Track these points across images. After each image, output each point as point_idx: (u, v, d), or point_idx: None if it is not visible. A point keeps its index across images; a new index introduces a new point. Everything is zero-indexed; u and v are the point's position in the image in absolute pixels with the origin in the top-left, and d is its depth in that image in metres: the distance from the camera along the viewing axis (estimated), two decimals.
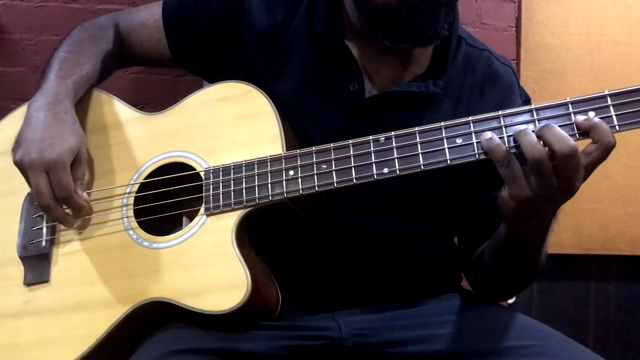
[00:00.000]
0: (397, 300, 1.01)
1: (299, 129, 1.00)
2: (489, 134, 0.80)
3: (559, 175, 0.77)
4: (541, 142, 0.77)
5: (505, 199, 0.82)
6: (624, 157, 2.22)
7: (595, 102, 0.80)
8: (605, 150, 0.76)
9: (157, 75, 1.77)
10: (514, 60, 2.15)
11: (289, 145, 0.93)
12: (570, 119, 0.79)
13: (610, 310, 2.35)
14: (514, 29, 2.13)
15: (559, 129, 0.77)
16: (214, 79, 1.08)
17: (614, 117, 0.78)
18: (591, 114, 0.79)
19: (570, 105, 0.80)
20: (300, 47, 1.04)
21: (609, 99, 0.79)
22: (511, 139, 0.81)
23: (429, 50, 1.04)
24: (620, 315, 2.35)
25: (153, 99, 1.73)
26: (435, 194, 1.03)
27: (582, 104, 0.80)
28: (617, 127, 0.78)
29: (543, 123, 0.80)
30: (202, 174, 0.94)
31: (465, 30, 1.09)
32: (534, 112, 0.82)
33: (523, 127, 0.79)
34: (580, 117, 0.78)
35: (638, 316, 2.35)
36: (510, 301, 2.20)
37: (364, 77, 1.02)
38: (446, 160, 0.84)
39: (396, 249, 1.02)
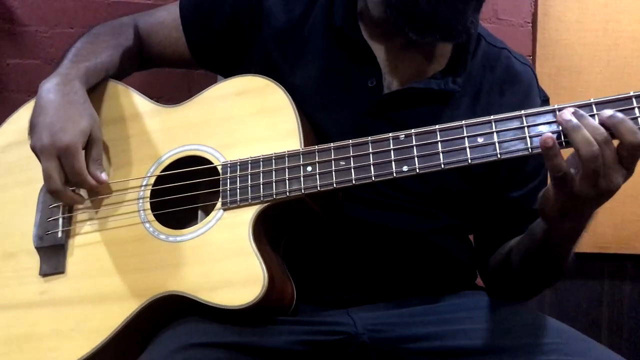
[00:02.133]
0: (412, 297, 1.01)
1: (316, 124, 1.00)
2: (550, 142, 0.75)
3: (606, 170, 0.75)
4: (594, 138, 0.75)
5: (549, 198, 0.80)
6: None
7: (620, 104, 0.78)
8: (630, 151, 0.75)
9: (168, 70, 1.76)
10: (530, 56, 2.13)
11: (307, 141, 0.93)
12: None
13: (624, 310, 2.34)
14: (530, 24, 2.11)
15: (631, 122, 0.75)
16: (231, 74, 1.08)
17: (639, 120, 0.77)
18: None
19: (594, 107, 0.79)
20: (318, 41, 1.04)
21: (634, 100, 0.78)
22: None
23: (448, 47, 1.03)
24: (634, 315, 2.34)
25: (166, 93, 1.73)
26: (452, 191, 1.02)
27: (606, 105, 0.79)
28: None
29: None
30: (219, 168, 0.94)
31: (484, 28, 1.08)
32: (557, 112, 0.81)
33: (568, 117, 0.76)
34: (606, 113, 0.76)
35: None
36: None
37: (383, 73, 1.01)
38: (467, 160, 0.83)
39: (411, 246, 1.02)
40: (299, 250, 1.00)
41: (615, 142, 0.76)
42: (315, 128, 1.00)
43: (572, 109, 0.77)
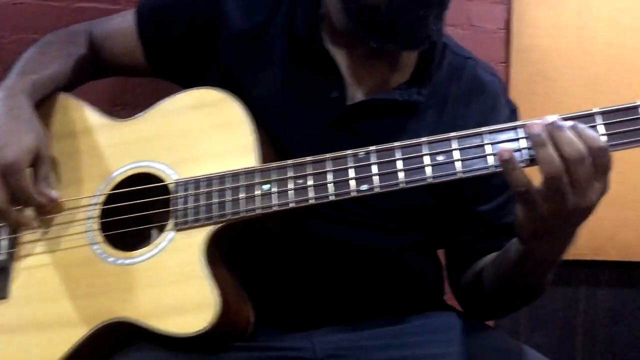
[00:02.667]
0: (377, 317, 0.98)
1: (277, 137, 0.96)
2: (507, 154, 0.73)
3: (572, 189, 0.72)
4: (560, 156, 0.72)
5: (520, 220, 0.77)
6: (614, 162, 2.19)
7: (584, 120, 0.76)
8: (597, 155, 0.72)
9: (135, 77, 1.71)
10: (504, 63, 2.11)
11: (265, 157, 0.89)
12: None
13: (599, 317, 2.33)
14: (504, 30, 2.09)
15: (568, 132, 0.72)
16: (190, 85, 1.04)
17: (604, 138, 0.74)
18: None
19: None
20: (279, 51, 1.00)
21: (597, 117, 0.75)
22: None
23: (413, 57, 1.00)
24: (609, 322, 2.33)
25: (133, 101, 1.68)
26: (418, 207, 0.99)
27: (569, 122, 0.76)
28: None
29: (528, 141, 0.76)
30: (171, 186, 0.89)
31: (450, 37, 1.05)
32: (519, 129, 0.78)
33: (538, 130, 0.73)
34: (569, 123, 0.73)
35: (627, 323, 2.34)
36: None
37: (346, 84, 0.98)
38: (426, 179, 0.80)
39: (376, 264, 0.99)
40: (258, 270, 0.96)
41: None
42: (277, 142, 0.96)
43: (542, 122, 0.74)
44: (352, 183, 0.82)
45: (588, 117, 0.76)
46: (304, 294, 0.96)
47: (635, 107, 0.76)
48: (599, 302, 2.34)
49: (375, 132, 0.94)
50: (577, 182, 0.72)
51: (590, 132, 0.72)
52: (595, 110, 0.76)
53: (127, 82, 1.68)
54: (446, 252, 1.08)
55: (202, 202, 0.87)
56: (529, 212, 0.75)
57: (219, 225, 0.86)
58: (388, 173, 0.82)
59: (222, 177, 0.87)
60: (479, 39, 2.01)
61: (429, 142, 0.81)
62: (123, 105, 1.65)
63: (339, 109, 0.97)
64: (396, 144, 0.82)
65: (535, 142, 0.73)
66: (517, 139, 0.78)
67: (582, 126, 0.72)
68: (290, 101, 0.98)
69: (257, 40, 1.01)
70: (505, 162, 0.73)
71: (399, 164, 0.81)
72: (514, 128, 0.79)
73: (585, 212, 0.74)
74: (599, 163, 0.72)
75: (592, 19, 2.27)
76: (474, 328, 0.96)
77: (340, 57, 0.99)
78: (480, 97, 1.00)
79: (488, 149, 0.79)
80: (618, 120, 0.75)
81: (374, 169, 0.82)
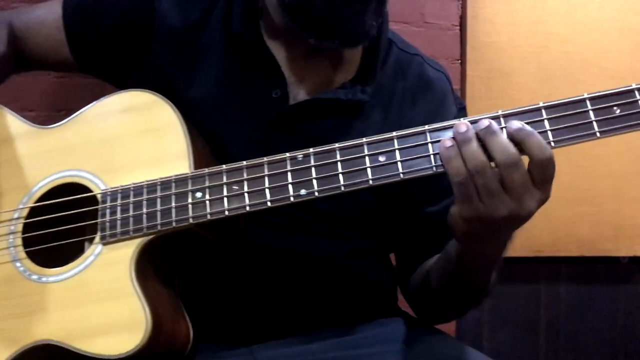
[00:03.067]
0: (325, 328, 0.93)
1: (216, 141, 0.91)
2: (449, 142, 0.71)
3: (507, 193, 0.69)
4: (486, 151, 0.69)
5: (455, 217, 0.74)
6: (572, 156, 2.19)
7: (529, 116, 0.72)
8: (539, 167, 0.69)
9: (82, 78, 1.63)
10: (459, 60, 2.09)
11: (201, 163, 0.83)
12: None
13: (561, 312, 2.34)
14: (459, 27, 2.08)
15: (502, 136, 0.69)
16: (122, 85, 0.97)
17: (549, 133, 0.71)
18: None
19: (502, 119, 0.73)
20: (216, 49, 0.94)
21: (543, 111, 0.72)
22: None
23: (357, 54, 0.95)
24: (571, 317, 2.34)
25: (77, 106, 1.59)
26: (366, 210, 0.94)
27: (515, 117, 0.72)
28: (552, 144, 0.71)
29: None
30: (98, 196, 0.83)
31: (396, 33, 1.01)
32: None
33: (464, 129, 0.70)
34: (515, 125, 0.70)
35: (588, 317, 2.35)
36: None
37: (288, 83, 0.93)
38: (368, 181, 0.76)
39: (324, 272, 0.94)
40: (198, 283, 0.90)
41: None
42: (216, 146, 0.90)
43: (468, 123, 0.71)
44: (291, 188, 0.77)
45: (534, 112, 0.72)
46: (247, 307, 0.91)
47: (582, 101, 0.73)
48: (560, 298, 2.34)
49: (319, 133, 0.89)
50: (511, 188, 0.69)
51: (537, 138, 0.69)
52: (541, 104, 0.73)
53: (70, 84, 1.60)
54: (396, 256, 1.04)
55: (131, 212, 0.81)
56: (464, 209, 0.72)
57: (150, 237, 0.80)
58: (328, 176, 0.77)
59: (152, 186, 0.81)
60: (433, 36, 1.98)
61: (370, 143, 0.77)
62: (67, 110, 1.56)
63: (280, 109, 0.92)
64: (336, 145, 0.78)
65: (459, 140, 0.70)
66: None
67: (523, 132, 0.69)
68: (228, 102, 0.93)
69: (193, 38, 0.95)
70: (446, 149, 0.70)
71: (339, 167, 0.77)
72: None
73: (521, 219, 0.71)
74: (540, 170, 0.69)
75: (546, 15, 2.27)
76: (426, 336, 0.92)
77: (281, 55, 0.94)
78: (427, 95, 0.97)
79: (431, 148, 0.75)
80: (564, 114, 0.72)
81: (313, 172, 0.77)
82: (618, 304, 2.36)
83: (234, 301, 0.91)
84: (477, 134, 0.69)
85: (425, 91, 0.97)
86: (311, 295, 0.93)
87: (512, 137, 0.69)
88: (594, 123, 0.72)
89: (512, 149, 0.68)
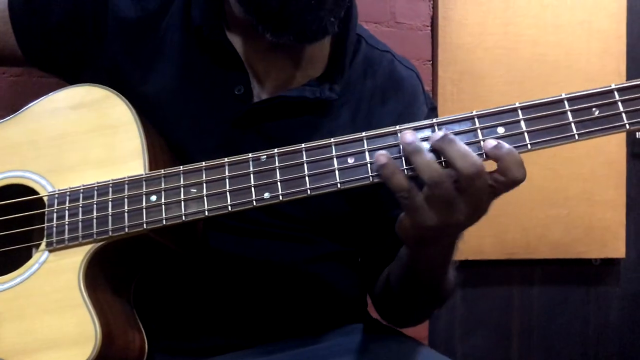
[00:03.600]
0: (290, 338, 0.88)
1: (175, 141, 0.85)
2: (383, 159, 0.67)
3: (464, 199, 0.66)
4: (440, 159, 0.66)
5: (405, 226, 0.71)
6: (544, 159, 2.18)
7: (505, 116, 0.68)
8: (511, 184, 0.66)
9: (40, 78, 1.56)
10: (430, 61, 2.06)
11: (156, 163, 0.78)
12: (477, 136, 0.68)
13: (534, 315, 2.33)
14: (429, 28, 2.05)
15: (461, 143, 0.66)
16: (75, 80, 0.91)
17: (526, 135, 0.67)
18: (500, 129, 0.68)
19: (477, 120, 0.69)
20: (175, 42, 0.89)
21: (520, 112, 0.68)
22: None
23: (325, 50, 0.91)
24: (544, 320, 2.34)
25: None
26: (333, 213, 0.90)
27: (490, 118, 0.69)
28: (529, 146, 0.67)
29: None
30: (45, 199, 0.77)
31: (365, 30, 0.97)
32: (436, 127, 0.70)
33: (410, 138, 0.67)
34: (491, 143, 0.66)
35: (561, 320, 2.35)
36: None
37: (251, 80, 0.88)
38: (336, 184, 0.71)
39: (288, 279, 0.89)
40: (155, 292, 0.85)
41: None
42: (174, 146, 0.85)
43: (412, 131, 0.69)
44: (253, 191, 0.72)
45: (510, 112, 0.69)
46: (206, 317, 0.86)
47: (560, 101, 0.69)
48: (533, 300, 2.34)
49: (284, 133, 0.84)
50: (471, 195, 0.66)
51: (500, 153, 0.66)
52: (517, 104, 0.69)
53: (29, 84, 1.53)
54: (362, 261, 0.99)
55: (80, 217, 0.75)
56: (413, 220, 0.69)
57: (100, 243, 0.74)
58: (293, 179, 0.72)
59: (103, 188, 0.75)
60: (404, 36, 1.95)
61: (338, 143, 0.72)
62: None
63: (244, 106, 0.87)
64: (302, 145, 0.73)
65: (407, 150, 0.67)
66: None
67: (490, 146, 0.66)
68: (187, 99, 0.88)
69: (150, 31, 0.89)
70: (382, 167, 0.67)
71: (305, 168, 0.72)
72: (431, 126, 0.71)
73: (476, 220, 0.69)
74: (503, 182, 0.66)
75: (517, 16, 2.27)
76: (395, 345, 0.88)
77: (243, 50, 0.88)
78: (398, 94, 0.92)
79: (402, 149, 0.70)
80: (541, 114, 0.69)
81: (278, 174, 0.72)
82: (590, 305, 2.36)
83: (192, 311, 0.86)
84: (432, 145, 0.67)
85: (396, 90, 0.93)
86: (275, 303, 0.88)
87: (434, 147, 0.67)
88: (572, 125, 0.68)
89: (473, 157, 0.65)
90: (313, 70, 0.90)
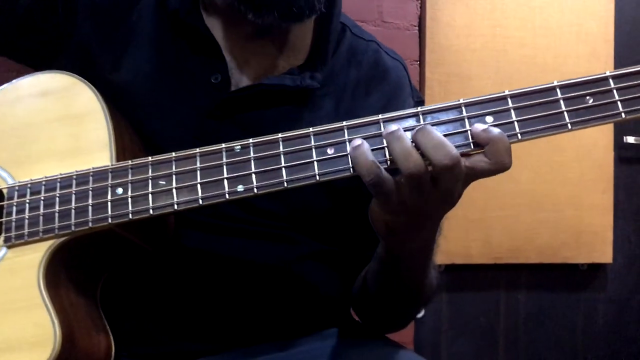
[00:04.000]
0: (269, 342, 0.83)
1: (147, 131, 0.81)
2: (357, 140, 0.64)
3: (437, 188, 0.64)
4: (418, 150, 0.63)
5: (375, 212, 0.69)
6: (530, 162, 2.16)
7: (494, 105, 0.65)
8: (496, 171, 0.63)
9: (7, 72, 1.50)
10: (417, 61, 2.04)
11: (124, 155, 0.73)
12: (464, 126, 0.64)
13: (520, 319, 2.31)
14: (417, 28, 2.02)
15: (437, 133, 0.63)
16: (44, 68, 0.86)
17: (516, 124, 0.64)
18: (489, 118, 0.64)
19: (464, 108, 0.65)
20: (149, 27, 0.85)
21: (509, 100, 0.64)
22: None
23: (307, 38, 0.87)
24: (530, 325, 2.32)
25: None
26: (315, 210, 0.86)
27: (478, 106, 0.65)
28: (519, 136, 0.63)
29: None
30: (4, 191, 0.72)
31: (350, 19, 0.93)
32: (421, 116, 0.66)
33: (394, 127, 0.64)
34: (479, 127, 0.63)
35: (547, 325, 2.32)
36: (419, 315, 2.09)
37: (230, 68, 0.84)
38: (314, 176, 0.67)
39: (268, 280, 0.84)
40: (123, 292, 0.80)
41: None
42: (146, 136, 0.80)
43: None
44: (226, 183, 0.68)
45: (499, 101, 0.65)
46: (178, 320, 0.81)
47: (552, 89, 0.66)
48: (520, 305, 2.31)
49: (263, 123, 0.80)
50: (445, 185, 0.63)
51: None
52: (507, 92, 0.66)
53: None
54: (346, 260, 0.95)
55: (42, 210, 0.70)
56: (381, 206, 0.67)
57: (62, 239, 0.69)
58: (269, 170, 0.68)
59: (66, 180, 0.71)
60: (391, 36, 1.92)
61: (317, 133, 0.68)
62: None
63: (220, 95, 0.82)
64: (279, 135, 0.69)
65: (387, 138, 0.64)
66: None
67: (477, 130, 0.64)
68: (160, 87, 0.83)
69: (122, 15, 0.85)
70: (354, 148, 0.64)
71: (282, 160, 0.68)
72: (415, 115, 0.67)
73: (444, 208, 0.67)
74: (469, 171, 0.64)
75: (505, 18, 2.25)
76: (377, 347, 0.84)
77: (222, 37, 0.84)
78: (383, 85, 0.89)
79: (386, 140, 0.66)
80: (531, 103, 0.65)
81: (253, 166, 0.68)
82: (577, 310, 2.34)
83: (163, 313, 0.81)
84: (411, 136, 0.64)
85: (381, 80, 0.89)
86: (252, 306, 0.84)
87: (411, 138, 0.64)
88: (565, 114, 0.65)
89: (448, 147, 0.62)
90: (295, 59, 0.86)
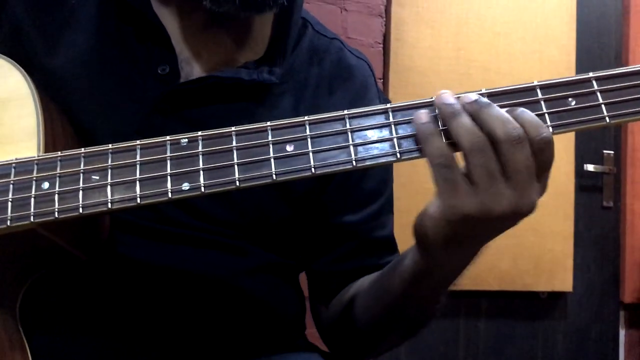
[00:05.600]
0: None
1: (82, 122, 0.73)
2: (424, 117, 0.59)
3: (506, 176, 0.57)
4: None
5: (433, 217, 0.59)
6: None
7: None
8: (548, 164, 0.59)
9: None
10: (381, 79, 2.00)
11: (55, 146, 0.65)
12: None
13: (480, 348, 2.27)
14: (382, 45, 1.99)
15: (499, 109, 0.57)
16: None
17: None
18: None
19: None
20: (90, 11, 0.78)
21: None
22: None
23: (266, 31, 0.81)
24: (490, 353, 2.28)
25: None
26: (272, 218, 0.79)
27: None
28: None
29: (402, 127, 0.60)
30: None
31: (312, 16, 0.88)
32: (390, 113, 0.60)
33: (452, 100, 0.58)
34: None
35: (507, 352, 2.29)
36: None
37: (180, 59, 0.77)
38: (271, 175, 0.60)
39: (216, 294, 0.77)
40: (50, 305, 0.71)
41: None
42: (82, 128, 0.72)
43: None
44: (169, 180, 0.60)
45: (529, 91, 0.60)
46: (112, 338, 0.72)
47: (532, 89, 0.61)
48: (480, 332, 2.27)
49: (214, 121, 0.72)
50: (514, 171, 0.57)
51: (531, 115, 0.58)
52: (483, 90, 0.61)
53: None
54: (307, 276, 0.88)
55: None
56: (447, 204, 0.58)
57: None
58: (219, 167, 0.60)
59: None
60: None
61: (275, 128, 0.61)
62: None
63: (167, 87, 0.75)
64: (232, 129, 0.62)
65: (445, 113, 0.58)
66: (389, 125, 0.60)
67: (520, 109, 0.58)
68: (100, 76, 0.76)
69: None
70: (422, 125, 0.58)
71: (235, 156, 0.60)
72: (385, 111, 0.61)
73: (521, 215, 0.59)
74: (539, 153, 0.58)
75: (469, 41, 2.25)
76: None
77: (172, 25, 0.78)
78: (346, 84, 0.83)
79: (351, 138, 0.60)
80: (510, 102, 0.60)
81: (201, 162, 0.61)
82: (537, 339, 2.32)
83: (94, 330, 0.72)
84: (465, 108, 0.58)
85: (345, 79, 0.84)
86: (197, 323, 0.75)
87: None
88: (546, 115, 0.60)
89: (515, 122, 0.56)
90: (252, 52, 0.80)
